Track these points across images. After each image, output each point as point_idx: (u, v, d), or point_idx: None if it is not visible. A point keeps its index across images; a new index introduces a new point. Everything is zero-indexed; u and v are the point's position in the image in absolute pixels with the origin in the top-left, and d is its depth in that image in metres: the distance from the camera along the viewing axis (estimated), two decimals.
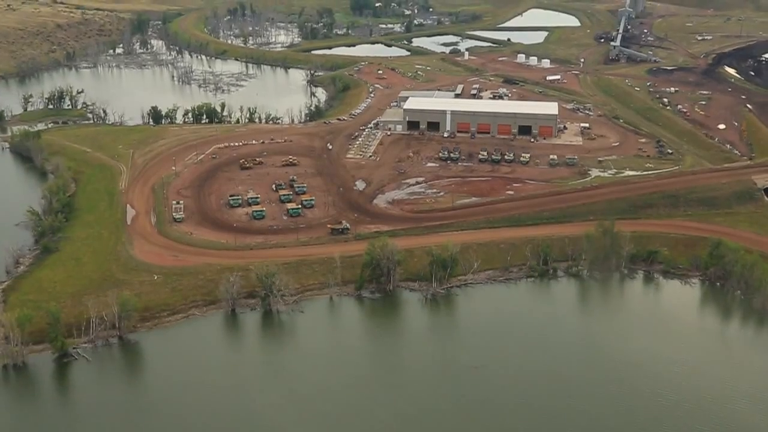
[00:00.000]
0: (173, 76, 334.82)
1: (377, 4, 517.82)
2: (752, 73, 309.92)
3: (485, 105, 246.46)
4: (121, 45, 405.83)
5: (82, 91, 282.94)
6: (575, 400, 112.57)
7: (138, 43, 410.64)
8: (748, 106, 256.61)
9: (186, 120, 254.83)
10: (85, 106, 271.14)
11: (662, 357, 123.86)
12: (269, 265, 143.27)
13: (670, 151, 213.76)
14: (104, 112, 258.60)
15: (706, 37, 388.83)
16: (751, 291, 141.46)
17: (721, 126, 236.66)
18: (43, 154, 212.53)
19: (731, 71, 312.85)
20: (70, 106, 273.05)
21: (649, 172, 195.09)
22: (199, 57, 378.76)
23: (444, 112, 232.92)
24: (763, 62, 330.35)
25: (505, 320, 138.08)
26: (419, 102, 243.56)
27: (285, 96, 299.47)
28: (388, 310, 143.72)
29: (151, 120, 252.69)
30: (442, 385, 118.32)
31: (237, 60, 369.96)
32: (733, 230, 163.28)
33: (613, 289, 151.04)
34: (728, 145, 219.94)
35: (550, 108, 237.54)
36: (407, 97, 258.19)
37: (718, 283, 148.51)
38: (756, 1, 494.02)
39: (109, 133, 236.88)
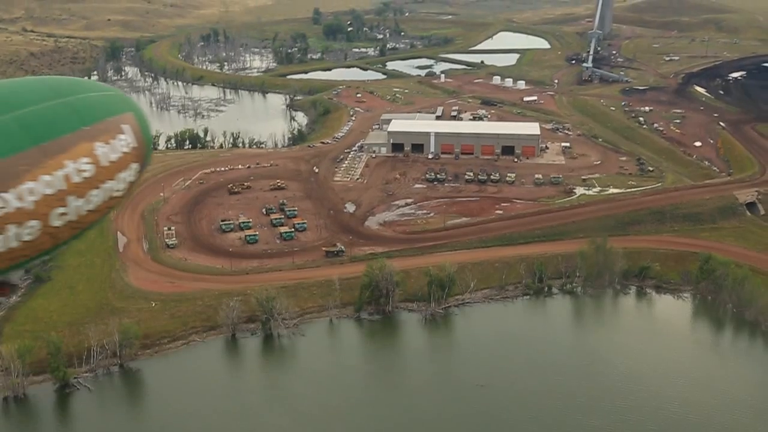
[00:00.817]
0: (151, 103, 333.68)
1: (349, 29, 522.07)
2: (721, 92, 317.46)
3: (468, 126, 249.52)
4: (95, 72, 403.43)
5: None
6: (584, 415, 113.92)
7: (112, 70, 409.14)
8: (721, 123, 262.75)
9: (169, 146, 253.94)
10: None
11: (663, 370, 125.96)
12: (268, 289, 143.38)
13: (650, 168, 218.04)
14: None
15: (673, 58, 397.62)
16: (742, 304, 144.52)
17: (698, 143, 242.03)
18: None
19: (701, 90, 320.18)
20: None
21: (633, 190, 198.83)
22: (175, 83, 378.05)
23: (428, 133, 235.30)
24: (731, 81, 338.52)
25: (505, 338, 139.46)
26: (403, 124, 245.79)
27: (265, 120, 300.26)
28: (389, 331, 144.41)
29: None
30: (450, 404, 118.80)
31: (214, 85, 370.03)
32: (720, 244, 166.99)
33: (609, 305, 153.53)
34: (706, 162, 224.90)
35: (532, 128, 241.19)
36: (389, 120, 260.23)
37: (709, 297, 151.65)
38: (718, 22, 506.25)
39: None
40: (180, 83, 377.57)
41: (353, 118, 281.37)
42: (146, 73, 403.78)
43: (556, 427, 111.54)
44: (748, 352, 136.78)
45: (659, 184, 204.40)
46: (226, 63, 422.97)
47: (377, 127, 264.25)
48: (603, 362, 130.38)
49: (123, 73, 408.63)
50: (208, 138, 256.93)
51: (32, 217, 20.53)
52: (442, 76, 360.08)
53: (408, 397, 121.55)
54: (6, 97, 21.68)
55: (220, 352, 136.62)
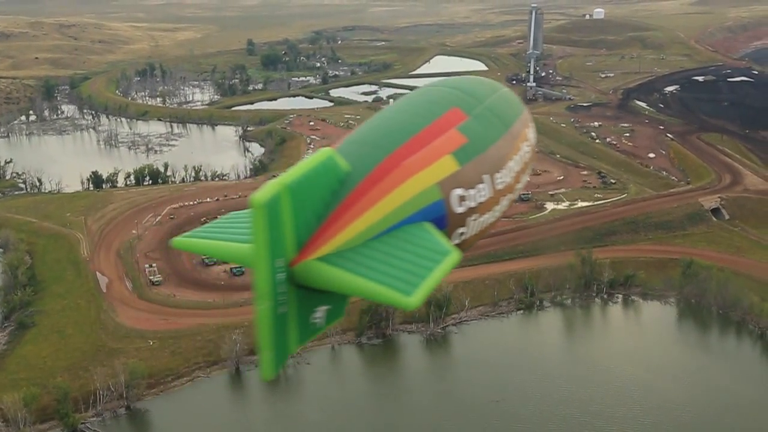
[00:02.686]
0: (98, 140, 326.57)
1: (286, 59, 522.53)
2: (662, 105, 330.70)
3: None
4: (30, 111, 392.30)
5: (11, 161, 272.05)
6: (604, 422, 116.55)
7: (48, 110, 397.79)
8: (669, 135, 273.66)
9: (128, 183, 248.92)
10: (16, 175, 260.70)
11: (669, 374, 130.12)
12: None
13: (613, 180, 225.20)
14: (39, 180, 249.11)
15: (608, 75, 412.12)
16: (727, 305, 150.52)
17: (651, 155, 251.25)
18: None
19: (642, 104, 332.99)
20: None
21: (603, 202, 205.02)
22: (118, 119, 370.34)
23: None
24: (668, 95, 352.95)
25: (508, 353, 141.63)
26: None
27: (219, 153, 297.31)
28: (393, 354, 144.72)
29: (91, 185, 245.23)
30: (470, 421, 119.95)
31: (160, 120, 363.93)
32: (694, 249, 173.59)
33: (600, 314, 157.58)
34: (664, 172, 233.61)
35: None
36: None
37: (693, 301, 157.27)
38: (643, 40, 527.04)
39: (50, 202, 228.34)
40: (123, 119, 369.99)
41: (311, 146, 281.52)
42: (86, 111, 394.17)
43: None
44: (740, 350, 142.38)
45: (624, 195, 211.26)
46: (167, 97, 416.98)
47: None
48: (607, 370, 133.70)
49: (59, 112, 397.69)
50: (169, 173, 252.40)
51: (505, 195, 21.87)
52: (391, 100, 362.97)
53: (425, 417, 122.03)
54: (470, 91, 23.51)
55: (227, 386, 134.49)
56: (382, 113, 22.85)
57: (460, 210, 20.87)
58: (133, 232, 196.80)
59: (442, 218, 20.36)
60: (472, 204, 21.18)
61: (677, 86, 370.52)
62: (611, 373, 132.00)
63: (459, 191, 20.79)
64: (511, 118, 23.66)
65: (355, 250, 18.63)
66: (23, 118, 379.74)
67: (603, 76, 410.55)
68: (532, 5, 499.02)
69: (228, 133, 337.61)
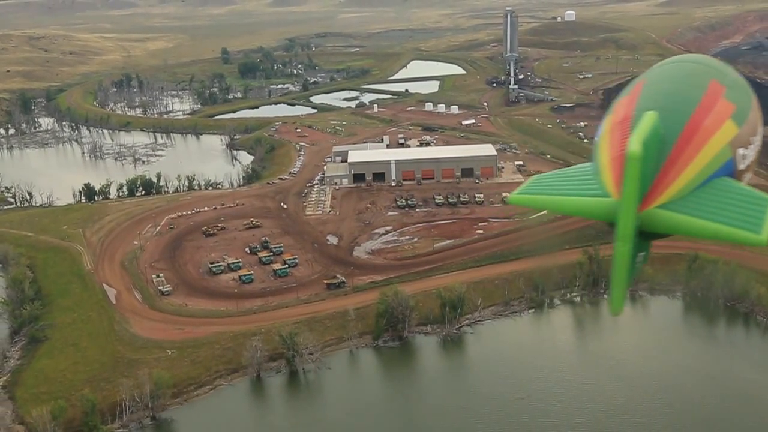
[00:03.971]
0: (82, 152, 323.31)
1: (262, 67, 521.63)
2: None
3: (428, 152, 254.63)
4: (8, 125, 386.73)
5: None
6: (630, 414, 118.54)
7: (25, 123, 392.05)
8: None
9: (120, 194, 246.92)
10: (5, 189, 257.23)
11: (684, 366, 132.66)
12: (288, 324, 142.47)
13: None
14: (29, 194, 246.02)
15: (587, 75, 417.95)
16: (735, 298, 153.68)
17: None
18: None
19: None
20: None
21: None
22: (99, 131, 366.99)
23: (388, 162, 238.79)
24: None
25: (525, 351, 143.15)
26: (361, 155, 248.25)
27: (207, 162, 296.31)
28: (411, 356, 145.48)
29: (83, 197, 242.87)
30: (498, 419, 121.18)
31: (143, 131, 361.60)
32: (695, 243, 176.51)
33: (608, 311, 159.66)
34: None
35: (489, 150, 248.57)
36: (341, 152, 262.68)
37: (699, 294, 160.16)
38: (616, 41, 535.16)
39: (44, 215, 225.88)
40: (105, 131, 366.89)
41: (302, 153, 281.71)
42: (64, 123, 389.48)
43: (608, 426, 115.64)
44: (751, 340, 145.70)
45: None
46: (149, 107, 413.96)
47: (330, 159, 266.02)
48: (624, 364, 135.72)
49: (36, 125, 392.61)
50: (162, 183, 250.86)
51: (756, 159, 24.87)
52: (375, 106, 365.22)
53: (451, 416, 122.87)
54: (712, 65, 26.07)
55: (250, 393, 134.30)
56: (650, 87, 24.39)
57: (741, 167, 23.38)
58: (135, 242, 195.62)
59: (731, 174, 22.81)
60: (747, 162, 23.75)
61: None
62: (629, 367, 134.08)
63: (741, 150, 23.34)
64: (749, 89, 25.76)
65: (688, 199, 21.16)
66: (2, 131, 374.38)
67: (581, 77, 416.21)
68: (507, 9, 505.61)
69: (213, 142, 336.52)
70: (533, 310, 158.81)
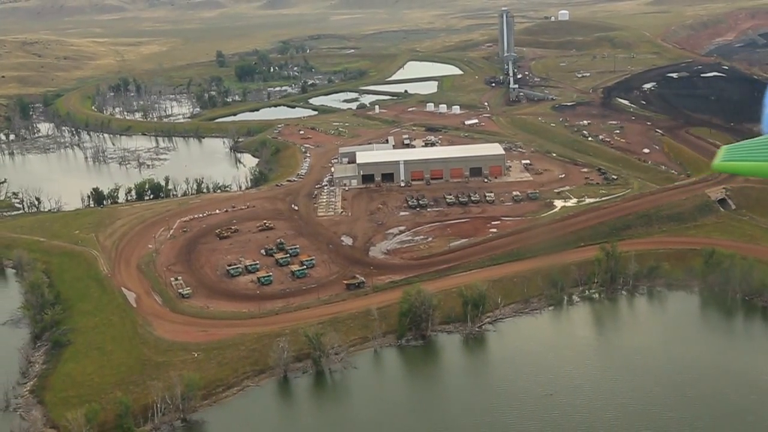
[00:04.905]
0: (85, 157, 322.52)
1: (260, 69, 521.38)
2: (643, 102, 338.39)
3: (436, 152, 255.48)
4: (7, 131, 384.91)
5: (5, 181, 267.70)
6: (660, 408, 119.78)
7: (24, 128, 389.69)
8: (658, 130, 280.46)
9: (129, 198, 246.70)
10: (13, 195, 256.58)
11: (711, 362, 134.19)
12: (312, 325, 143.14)
13: (614, 176, 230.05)
14: (37, 199, 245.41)
15: (585, 74, 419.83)
16: (753, 292, 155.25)
17: (646, 150, 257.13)
18: None
19: (625, 102, 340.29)
20: None
21: (612, 197, 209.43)
22: (100, 135, 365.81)
23: (397, 162, 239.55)
24: (647, 92, 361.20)
25: (549, 347, 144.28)
26: (370, 156, 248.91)
27: (212, 165, 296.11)
28: (436, 355, 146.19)
29: (91, 202, 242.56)
30: (527, 415, 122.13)
31: (144, 135, 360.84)
32: (710, 239, 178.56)
33: (630, 306, 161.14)
34: (663, 167, 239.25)
35: (496, 149, 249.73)
36: (348, 153, 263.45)
37: (716, 289, 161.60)
38: (611, 40, 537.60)
39: (54, 220, 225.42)
40: (106, 135, 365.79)
41: (308, 155, 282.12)
42: (64, 128, 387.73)
43: (646, 418, 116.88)
44: None
45: (628, 190, 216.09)
46: (146, 111, 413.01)
47: (336, 160, 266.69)
48: (650, 359, 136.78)
49: (35, 130, 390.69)
50: (170, 186, 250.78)
51: None
52: (377, 107, 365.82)
53: (480, 413, 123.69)
54: None
55: (278, 394, 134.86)
56: None
57: None
58: (150, 246, 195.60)
59: None
60: None
61: (654, 83, 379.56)
62: (652, 362, 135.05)
63: None
64: None
65: None
66: (2, 137, 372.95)
67: (579, 75, 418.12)
68: (502, 9, 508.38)
69: (216, 145, 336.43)
70: (553, 307, 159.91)
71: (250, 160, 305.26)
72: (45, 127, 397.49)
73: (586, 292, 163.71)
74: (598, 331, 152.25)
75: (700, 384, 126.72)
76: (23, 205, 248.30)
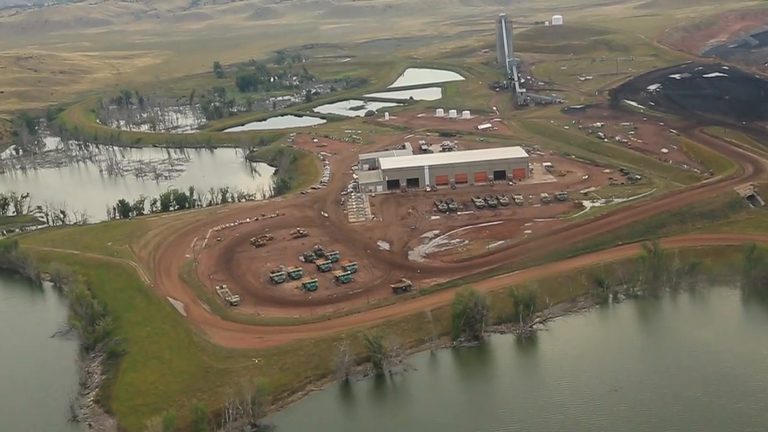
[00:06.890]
0: (100, 170, 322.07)
1: (262, 79, 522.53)
2: (651, 103, 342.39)
3: (460, 156, 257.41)
4: (14, 146, 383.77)
5: (27, 195, 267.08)
6: (726, 400, 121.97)
7: (30, 143, 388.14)
8: (673, 130, 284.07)
9: (154, 209, 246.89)
10: (38, 209, 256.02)
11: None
12: (367, 329, 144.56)
13: (638, 176, 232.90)
14: (63, 213, 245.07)
15: (587, 77, 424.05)
16: None
17: (664, 150, 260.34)
18: (33, 263, 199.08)
19: (632, 103, 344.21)
20: (15, 212, 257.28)
21: (639, 196, 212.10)
22: (110, 148, 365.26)
23: (422, 167, 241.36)
24: (653, 93, 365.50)
25: (602, 345, 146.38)
26: (394, 161, 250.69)
27: (229, 174, 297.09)
28: (492, 355, 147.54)
29: (117, 214, 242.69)
30: (595, 410, 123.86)
31: (155, 146, 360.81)
32: (745, 235, 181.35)
33: (676, 303, 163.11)
34: (684, 165, 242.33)
35: (519, 152, 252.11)
36: (369, 160, 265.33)
37: (759, 284, 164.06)
38: (608, 43, 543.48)
39: (83, 233, 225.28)
40: (116, 148, 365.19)
41: (327, 163, 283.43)
42: (71, 142, 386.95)
43: (713, 411, 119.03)
44: None
45: (654, 189, 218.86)
46: (154, 123, 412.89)
47: (357, 167, 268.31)
48: (710, 353, 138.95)
49: (42, 144, 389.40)
50: (194, 197, 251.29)
51: None
52: (387, 114, 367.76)
53: (545, 413, 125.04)
54: None
55: (342, 397, 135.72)
56: None
57: None
58: (187, 255, 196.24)
59: None
60: None
61: (658, 84, 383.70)
62: (709, 357, 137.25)
63: None
64: None
65: None
66: (12, 152, 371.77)
67: (582, 78, 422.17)
68: (500, 15, 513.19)
69: (228, 155, 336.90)
70: (599, 305, 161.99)
71: (265, 169, 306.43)
72: (51, 142, 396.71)
73: (631, 289, 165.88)
74: (649, 327, 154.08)
75: (763, 377, 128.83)
76: (47, 219, 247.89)
